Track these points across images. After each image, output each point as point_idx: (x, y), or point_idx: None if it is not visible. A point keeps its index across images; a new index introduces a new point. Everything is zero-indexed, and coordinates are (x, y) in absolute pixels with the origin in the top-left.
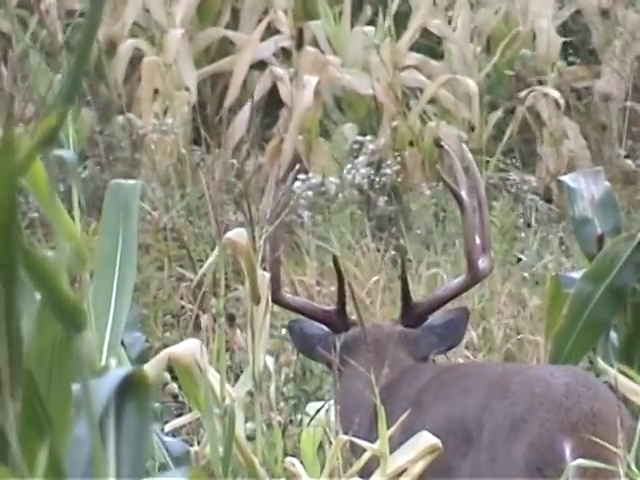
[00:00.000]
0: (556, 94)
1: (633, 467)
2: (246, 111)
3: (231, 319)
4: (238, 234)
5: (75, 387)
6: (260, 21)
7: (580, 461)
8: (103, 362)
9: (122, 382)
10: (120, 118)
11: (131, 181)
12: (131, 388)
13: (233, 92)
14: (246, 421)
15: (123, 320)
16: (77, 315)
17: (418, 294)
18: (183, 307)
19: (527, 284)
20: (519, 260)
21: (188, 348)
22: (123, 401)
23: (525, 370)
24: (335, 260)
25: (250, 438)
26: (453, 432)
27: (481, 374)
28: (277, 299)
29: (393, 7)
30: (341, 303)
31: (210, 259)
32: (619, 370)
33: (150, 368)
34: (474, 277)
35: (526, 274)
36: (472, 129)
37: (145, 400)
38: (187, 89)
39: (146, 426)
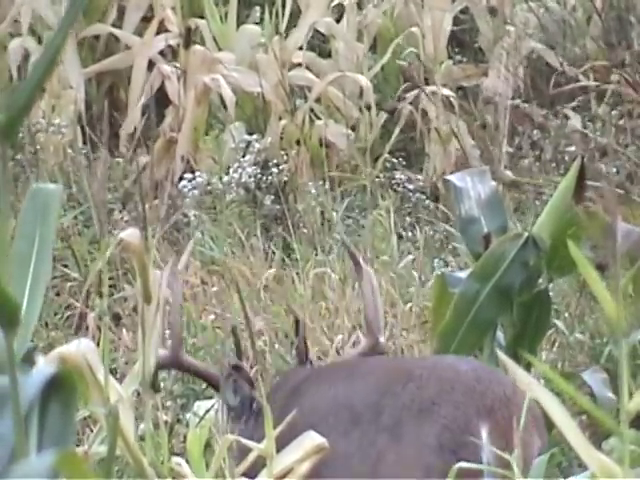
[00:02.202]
0: (445, 92)
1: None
2: (133, 110)
3: (117, 318)
4: (131, 234)
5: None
6: (145, 19)
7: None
8: None
9: (49, 380)
10: None
11: (52, 185)
12: (56, 387)
13: (135, 91)
14: (136, 421)
15: (34, 320)
16: (11, 310)
17: (306, 295)
18: (68, 306)
19: (415, 283)
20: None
21: (79, 348)
22: (48, 400)
23: (425, 358)
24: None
25: (142, 438)
26: (335, 412)
27: (372, 362)
28: (179, 363)
29: (281, 6)
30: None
31: (101, 258)
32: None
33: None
34: (373, 347)
35: (415, 273)
36: (353, 128)
37: (70, 399)
38: (73, 87)
39: (70, 425)
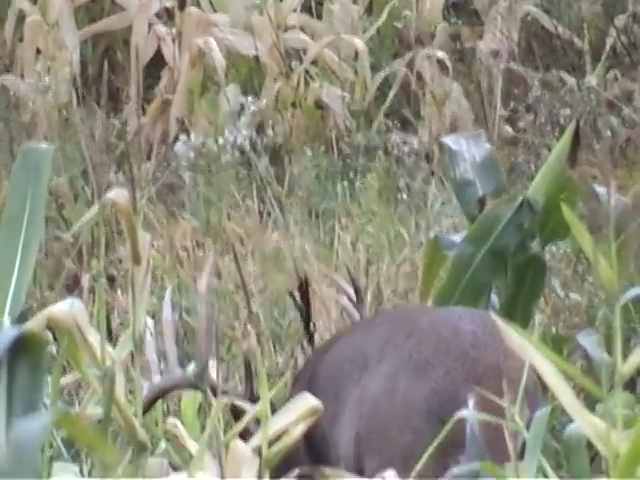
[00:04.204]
0: (440, 54)
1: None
2: (134, 72)
3: (111, 280)
4: (118, 194)
5: None
6: None
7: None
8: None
9: (15, 340)
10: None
11: (43, 145)
12: (24, 347)
13: (136, 53)
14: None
15: (27, 281)
16: None
17: (290, 258)
18: (63, 268)
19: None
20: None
21: (68, 308)
22: (16, 360)
23: (434, 310)
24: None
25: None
26: (351, 359)
27: (390, 312)
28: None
29: None
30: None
31: (84, 217)
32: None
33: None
34: None
35: (405, 235)
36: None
37: (38, 359)
38: (68, 49)
39: (38, 385)
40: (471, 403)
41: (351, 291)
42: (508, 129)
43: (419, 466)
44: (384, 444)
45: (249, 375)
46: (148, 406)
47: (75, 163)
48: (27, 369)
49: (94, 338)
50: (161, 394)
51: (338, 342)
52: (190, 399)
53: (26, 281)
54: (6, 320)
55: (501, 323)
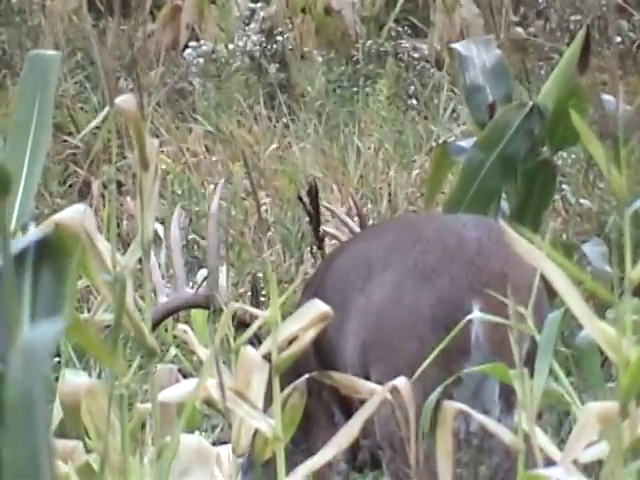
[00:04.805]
0: None
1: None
2: None
3: (119, 186)
4: (126, 100)
5: None
6: None
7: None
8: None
9: (40, 245)
10: None
11: (50, 52)
12: (49, 252)
13: None
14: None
15: (35, 186)
16: (2, 178)
17: (299, 164)
18: (73, 174)
19: (416, 151)
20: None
21: (76, 214)
22: (40, 265)
23: (439, 218)
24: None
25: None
26: (357, 267)
27: (396, 219)
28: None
29: None
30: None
31: (93, 122)
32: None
33: None
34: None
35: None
36: None
37: (62, 264)
38: None
39: (62, 290)
40: (476, 310)
41: (352, 224)
42: (520, 30)
43: (422, 372)
44: (390, 352)
45: (255, 290)
46: (155, 325)
47: (84, 69)
48: (51, 274)
49: (103, 244)
50: (169, 314)
51: (345, 250)
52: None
53: (34, 187)
54: (31, 227)
55: (508, 229)
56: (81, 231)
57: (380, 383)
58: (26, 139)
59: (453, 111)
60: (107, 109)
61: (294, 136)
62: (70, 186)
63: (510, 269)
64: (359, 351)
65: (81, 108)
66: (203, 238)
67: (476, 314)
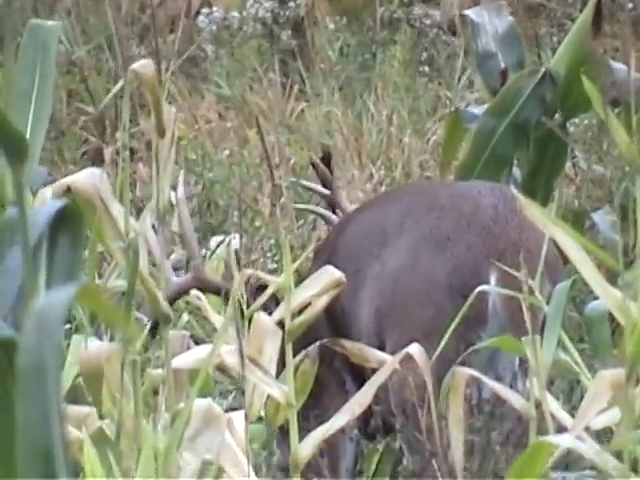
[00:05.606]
0: None
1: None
2: None
3: (132, 153)
4: (144, 65)
5: (11, 213)
6: None
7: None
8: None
9: (57, 213)
10: None
11: (50, 22)
12: (65, 220)
13: None
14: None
15: (37, 154)
16: (20, 144)
17: (312, 131)
18: (86, 140)
19: (429, 118)
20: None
21: (89, 177)
22: (57, 232)
23: (453, 185)
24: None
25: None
26: (371, 234)
27: (409, 185)
28: (204, 283)
29: None
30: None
31: (111, 92)
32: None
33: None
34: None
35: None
36: None
37: (78, 232)
38: None
39: (78, 258)
40: (493, 278)
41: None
42: None
43: (438, 339)
44: (405, 319)
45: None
46: (170, 304)
47: (99, 35)
48: (68, 242)
49: (116, 209)
50: (182, 293)
51: (358, 218)
52: (213, 271)
53: (37, 156)
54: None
55: (521, 197)
56: (95, 196)
57: (395, 350)
58: (28, 108)
59: (467, 78)
60: (123, 78)
61: (307, 103)
62: (84, 154)
63: (526, 236)
64: (373, 318)
65: (97, 73)
66: (217, 204)
67: (492, 286)
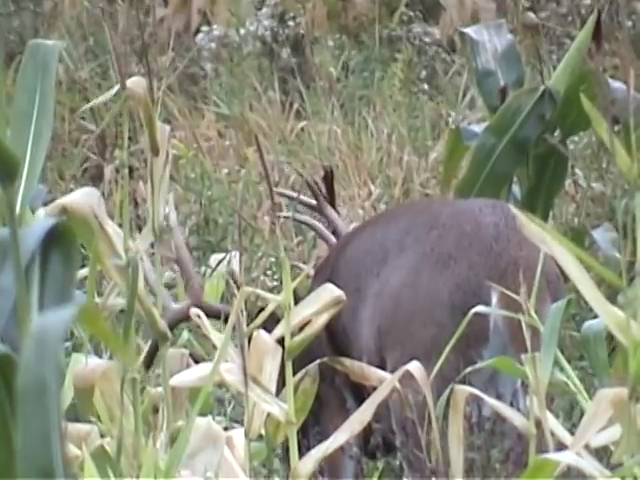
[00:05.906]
0: None
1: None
2: None
3: (132, 171)
4: (136, 83)
5: (2, 232)
6: None
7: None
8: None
9: (49, 232)
10: None
11: (50, 42)
12: (57, 239)
13: None
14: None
15: (37, 174)
16: (11, 164)
17: (312, 149)
18: (87, 159)
19: (429, 136)
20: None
21: (84, 197)
22: (49, 252)
23: (454, 203)
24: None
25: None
26: (372, 252)
27: (409, 204)
28: (204, 309)
29: None
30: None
31: (114, 108)
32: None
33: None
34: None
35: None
36: None
37: (70, 250)
38: None
39: (71, 276)
40: (495, 297)
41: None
42: (531, 15)
43: (439, 357)
44: (406, 337)
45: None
46: (170, 329)
47: (97, 54)
48: (60, 260)
49: (112, 229)
50: (181, 320)
51: (358, 236)
52: (213, 289)
53: (37, 175)
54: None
55: (520, 214)
56: (90, 215)
57: (396, 368)
58: (28, 128)
59: (464, 95)
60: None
61: (307, 121)
62: (85, 171)
63: (527, 254)
64: (375, 336)
65: (97, 90)
66: (216, 222)
67: (494, 304)
